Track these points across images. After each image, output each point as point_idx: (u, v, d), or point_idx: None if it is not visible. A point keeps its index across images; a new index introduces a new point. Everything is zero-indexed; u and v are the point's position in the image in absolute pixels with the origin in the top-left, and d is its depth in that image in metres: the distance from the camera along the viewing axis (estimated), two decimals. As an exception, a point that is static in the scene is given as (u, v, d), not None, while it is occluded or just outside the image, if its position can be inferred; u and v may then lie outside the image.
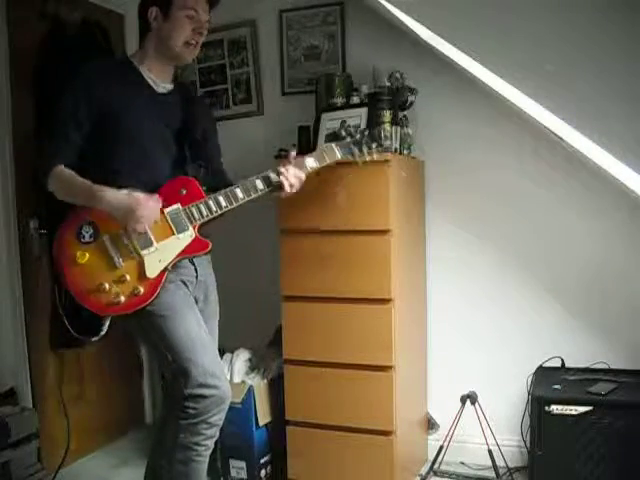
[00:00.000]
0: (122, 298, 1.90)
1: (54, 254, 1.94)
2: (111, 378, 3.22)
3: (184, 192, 1.99)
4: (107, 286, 1.90)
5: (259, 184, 2.06)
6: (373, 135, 2.23)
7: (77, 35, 2.91)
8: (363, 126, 2.56)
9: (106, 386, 3.19)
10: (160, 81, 2.08)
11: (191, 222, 1.98)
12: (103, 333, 1.94)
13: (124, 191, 1.87)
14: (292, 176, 2.06)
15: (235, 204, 2.02)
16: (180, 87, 2.18)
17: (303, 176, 2.09)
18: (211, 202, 1.99)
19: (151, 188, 1.94)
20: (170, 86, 2.12)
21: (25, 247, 2.72)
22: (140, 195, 1.87)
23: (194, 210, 1.98)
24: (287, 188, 2.05)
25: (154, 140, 2.03)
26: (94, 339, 1.95)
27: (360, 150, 2.20)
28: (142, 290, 1.91)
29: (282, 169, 2.05)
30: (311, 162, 2.13)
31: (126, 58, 2.10)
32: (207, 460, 2.02)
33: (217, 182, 2.15)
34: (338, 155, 2.18)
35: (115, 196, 1.87)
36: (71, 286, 1.91)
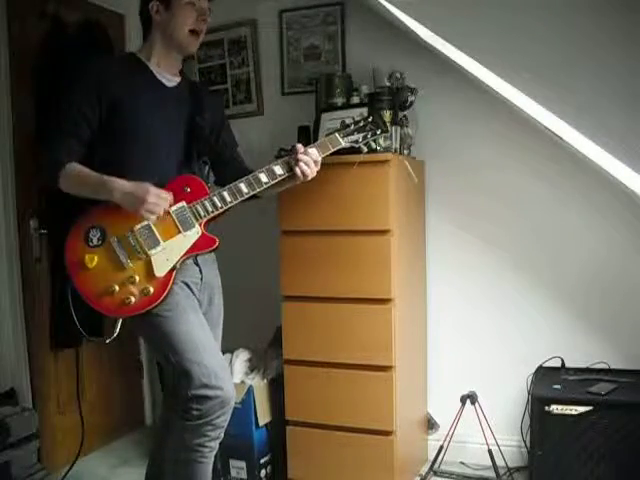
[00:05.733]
0: (132, 299, 1.90)
1: (65, 261, 1.93)
2: (111, 378, 3.22)
3: (188, 190, 1.99)
4: (117, 287, 1.90)
5: (263, 177, 2.04)
6: (376, 121, 2.20)
7: (77, 35, 2.91)
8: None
9: (106, 386, 3.19)
10: (169, 75, 2.09)
11: (197, 219, 1.97)
12: (116, 334, 1.95)
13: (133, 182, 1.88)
14: (313, 155, 2.05)
15: (240, 198, 2.02)
16: (188, 80, 2.19)
17: (320, 160, 2.07)
18: (215, 198, 1.99)
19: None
20: (178, 79, 2.13)
21: (25, 247, 2.73)
22: (150, 185, 1.87)
23: (199, 207, 1.98)
24: (303, 169, 2.02)
25: (162, 140, 2.03)
26: (108, 340, 1.96)
27: (365, 137, 2.18)
28: (152, 289, 1.91)
29: (301, 151, 2.04)
30: (315, 153, 2.09)
31: (132, 54, 2.10)
32: (212, 461, 2.01)
33: (233, 171, 2.15)
34: (342, 143, 2.14)
35: (126, 184, 1.87)
36: (82, 290, 1.91)
